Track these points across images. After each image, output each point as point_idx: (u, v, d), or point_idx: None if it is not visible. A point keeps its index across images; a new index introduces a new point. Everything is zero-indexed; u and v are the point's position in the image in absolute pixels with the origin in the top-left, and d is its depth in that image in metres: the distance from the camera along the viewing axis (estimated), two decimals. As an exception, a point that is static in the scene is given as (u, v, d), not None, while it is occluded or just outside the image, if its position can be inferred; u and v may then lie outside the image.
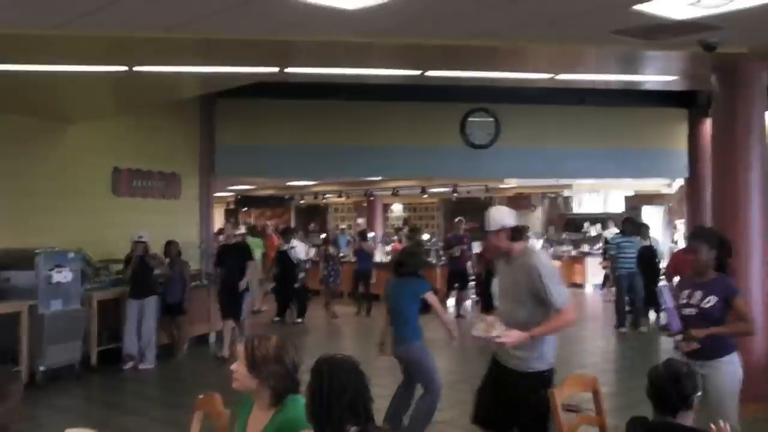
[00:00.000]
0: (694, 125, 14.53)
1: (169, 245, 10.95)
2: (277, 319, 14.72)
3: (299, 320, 14.80)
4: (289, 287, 14.69)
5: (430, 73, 8.01)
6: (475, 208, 24.52)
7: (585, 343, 12.16)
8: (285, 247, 14.94)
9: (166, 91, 10.15)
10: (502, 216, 4.60)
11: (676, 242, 16.22)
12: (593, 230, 21.17)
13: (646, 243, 14.13)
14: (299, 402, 3.11)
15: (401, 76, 8.66)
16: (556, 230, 22.86)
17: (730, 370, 4.83)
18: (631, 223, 13.33)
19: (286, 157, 13.81)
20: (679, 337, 4.78)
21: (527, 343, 4.35)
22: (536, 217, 23.71)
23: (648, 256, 14.14)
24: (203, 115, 13.33)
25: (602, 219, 22.15)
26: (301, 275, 14.85)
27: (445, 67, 7.75)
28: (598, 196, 22.07)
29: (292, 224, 27.64)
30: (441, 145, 14.10)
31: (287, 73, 8.04)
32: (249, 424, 3.27)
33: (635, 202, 21.63)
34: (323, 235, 18.87)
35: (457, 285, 15.37)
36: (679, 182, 17.16)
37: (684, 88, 11.73)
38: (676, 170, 14.86)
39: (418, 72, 8.05)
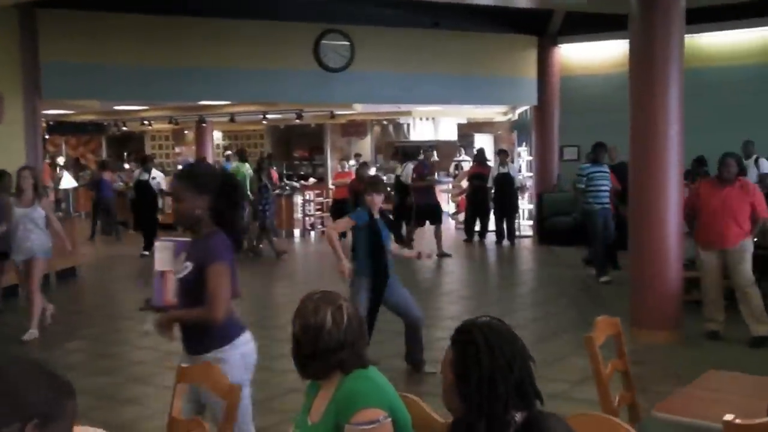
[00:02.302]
0: (544, 53, 14.61)
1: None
2: (145, 253, 13.55)
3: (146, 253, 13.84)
4: (153, 218, 13.95)
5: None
6: (306, 135, 23.85)
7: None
8: (144, 176, 14.01)
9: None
10: None
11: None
12: (435, 157, 21.12)
13: (504, 170, 14.24)
14: (362, 374, 2.50)
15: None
16: (385, 158, 22.67)
17: (231, 366, 3.41)
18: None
19: (121, 78, 12.45)
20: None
21: None
22: (366, 144, 23.35)
23: (505, 184, 14.28)
24: (23, 28, 11.57)
25: (432, 146, 22.21)
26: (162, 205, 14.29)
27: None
28: (429, 124, 22.00)
29: (104, 154, 25.61)
30: (291, 67, 13.26)
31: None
32: (313, 407, 2.59)
33: (467, 130, 21.83)
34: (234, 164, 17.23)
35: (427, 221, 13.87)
36: (519, 110, 17.41)
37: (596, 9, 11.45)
38: (525, 98, 14.95)
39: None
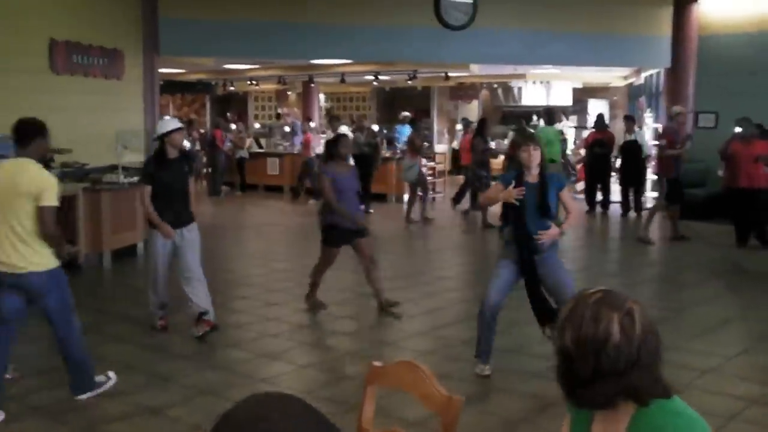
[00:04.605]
0: (681, 9, 13.56)
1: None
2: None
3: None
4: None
5: None
6: (412, 98, 23.19)
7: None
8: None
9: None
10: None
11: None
12: (542, 123, 20.21)
13: (631, 138, 13.37)
14: (670, 408, 1.82)
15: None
16: (492, 123, 21.80)
17: None
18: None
19: (237, 35, 12.18)
20: None
21: None
22: (473, 109, 22.57)
23: (632, 152, 13.40)
24: (143, -17, 11.34)
25: (538, 111, 21.23)
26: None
27: None
28: (542, 88, 20.99)
29: (208, 114, 25.55)
30: (409, 25, 12.66)
31: None
32: None
33: (581, 96, 20.80)
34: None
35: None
36: (646, 74, 16.33)
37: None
38: (657, 59, 13.95)
39: None
